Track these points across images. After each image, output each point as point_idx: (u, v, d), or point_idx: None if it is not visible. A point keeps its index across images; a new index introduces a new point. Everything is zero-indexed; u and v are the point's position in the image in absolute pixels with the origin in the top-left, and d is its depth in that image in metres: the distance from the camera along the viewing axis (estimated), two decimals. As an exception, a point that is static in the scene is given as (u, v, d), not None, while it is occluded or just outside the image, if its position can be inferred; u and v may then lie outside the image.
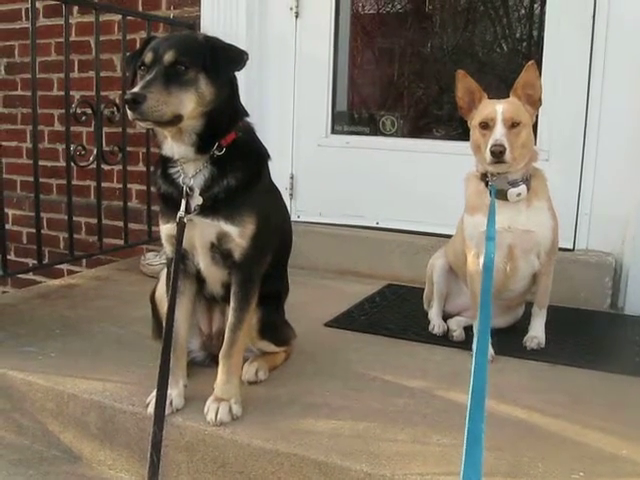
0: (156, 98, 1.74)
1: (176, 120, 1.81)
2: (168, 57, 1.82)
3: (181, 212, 1.90)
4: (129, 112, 1.75)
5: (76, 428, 2.12)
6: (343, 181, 3.77)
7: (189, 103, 1.81)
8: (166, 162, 1.97)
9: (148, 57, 1.85)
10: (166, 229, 2.00)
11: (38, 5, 4.01)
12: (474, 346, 1.41)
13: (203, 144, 1.91)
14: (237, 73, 1.98)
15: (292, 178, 3.86)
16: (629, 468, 1.72)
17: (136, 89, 1.76)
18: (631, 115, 3.08)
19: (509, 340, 2.52)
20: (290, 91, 3.83)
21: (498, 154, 2.23)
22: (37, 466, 2.10)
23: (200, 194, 1.91)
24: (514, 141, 2.27)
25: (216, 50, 1.87)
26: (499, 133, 2.26)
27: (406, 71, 4.12)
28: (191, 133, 1.89)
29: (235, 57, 1.92)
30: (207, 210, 1.91)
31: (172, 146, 1.92)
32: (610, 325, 2.88)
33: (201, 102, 1.84)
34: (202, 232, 1.94)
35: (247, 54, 1.94)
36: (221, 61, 1.86)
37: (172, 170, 1.96)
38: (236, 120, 1.98)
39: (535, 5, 3.68)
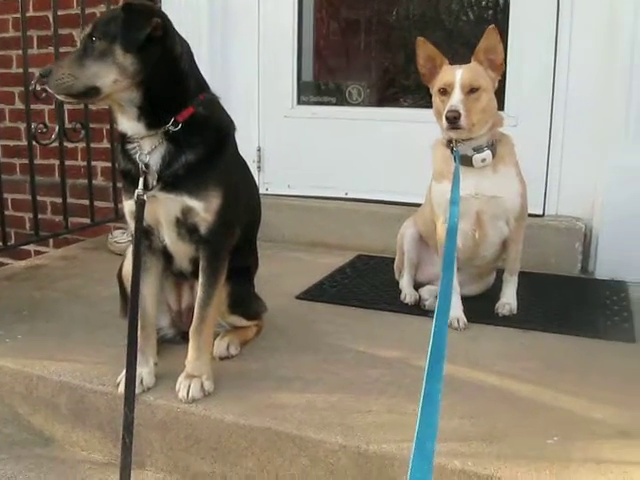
0: (61, 71, 1.78)
1: (93, 92, 1.81)
2: (86, 31, 1.83)
3: (139, 189, 1.87)
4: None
5: (46, 410, 2.10)
6: (311, 152, 3.74)
7: (107, 74, 1.79)
8: (124, 139, 1.94)
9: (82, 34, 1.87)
10: (128, 205, 1.97)
11: (-7, -20, 3.92)
12: (435, 306, 1.38)
13: (152, 119, 1.87)
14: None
15: (259, 151, 3.82)
16: (603, 431, 1.73)
17: (48, 65, 1.82)
18: (598, 78, 3.06)
19: (481, 307, 2.53)
20: (254, 62, 3.76)
21: (453, 120, 2.23)
22: (8, 450, 2.07)
23: (159, 170, 1.88)
24: (472, 106, 2.26)
25: (126, 17, 1.80)
26: (455, 99, 2.25)
27: (372, 40, 4.07)
28: (130, 106, 1.86)
29: (137, 21, 1.80)
30: (169, 186, 1.88)
31: (122, 121, 1.91)
32: (581, 290, 2.89)
33: (122, 73, 1.79)
34: (166, 207, 1.91)
35: (158, 15, 1.83)
36: (129, 28, 1.79)
37: (129, 146, 1.93)
38: (190, 94, 1.92)
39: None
